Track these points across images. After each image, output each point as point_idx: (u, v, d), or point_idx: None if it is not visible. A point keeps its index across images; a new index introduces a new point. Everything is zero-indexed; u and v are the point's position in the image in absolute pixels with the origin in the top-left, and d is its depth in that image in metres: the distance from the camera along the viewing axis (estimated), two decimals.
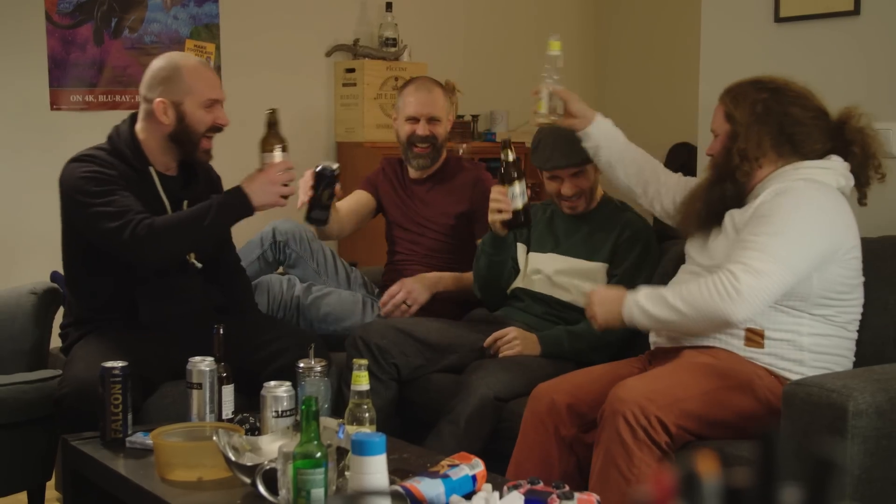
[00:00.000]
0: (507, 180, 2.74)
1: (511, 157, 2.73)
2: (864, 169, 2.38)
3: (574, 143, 2.84)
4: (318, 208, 2.89)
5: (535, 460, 2.37)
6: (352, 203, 3.34)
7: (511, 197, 2.73)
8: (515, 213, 2.75)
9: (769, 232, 2.23)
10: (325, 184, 2.85)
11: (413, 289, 3.14)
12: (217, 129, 2.75)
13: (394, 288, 3.17)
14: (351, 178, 3.63)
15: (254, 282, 3.19)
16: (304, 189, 2.89)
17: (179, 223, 2.62)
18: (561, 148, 2.86)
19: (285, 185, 2.69)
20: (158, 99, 2.67)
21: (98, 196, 2.60)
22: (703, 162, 2.92)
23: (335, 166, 2.87)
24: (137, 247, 2.57)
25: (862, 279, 2.37)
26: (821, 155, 2.35)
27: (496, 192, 2.77)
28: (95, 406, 2.32)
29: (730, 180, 2.37)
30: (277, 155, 2.69)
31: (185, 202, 2.76)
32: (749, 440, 2.16)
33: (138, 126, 2.74)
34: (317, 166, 2.88)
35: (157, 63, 2.73)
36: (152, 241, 2.56)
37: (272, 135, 2.70)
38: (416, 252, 3.30)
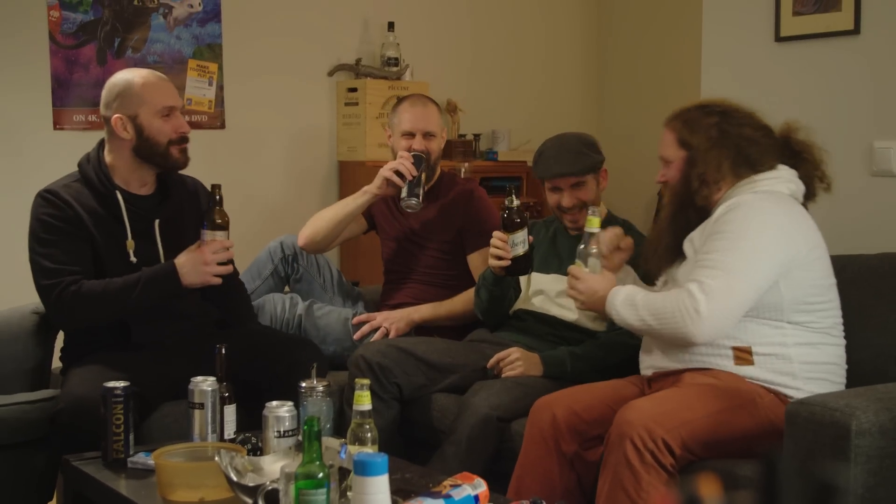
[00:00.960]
0: (509, 227, 2.74)
1: (515, 203, 2.73)
2: (811, 180, 2.43)
3: (576, 153, 2.84)
4: (420, 187, 3.10)
5: (537, 476, 2.36)
6: None
7: (511, 245, 2.74)
8: (515, 260, 2.75)
9: (723, 248, 2.26)
10: (423, 166, 3.11)
11: (390, 316, 3.17)
12: (183, 139, 2.76)
13: (372, 315, 3.19)
14: None
15: (256, 301, 3.20)
16: (407, 168, 3.08)
17: (105, 294, 2.63)
18: (563, 158, 2.87)
19: (222, 264, 2.67)
20: (115, 115, 2.71)
21: (43, 245, 2.65)
22: None
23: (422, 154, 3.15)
24: (61, 309, 2.63)
25: (833, 281, 2.38)
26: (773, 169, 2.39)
27: (497, 237, 2.77)
28: (92, 422, 2.32)
29: (691, 207, 2.39)
30: (219, 234, 2.68)
31: (157, 221, 2.76)
32: (751, 460, 2.15)
33: (106, 149, 2.77)
34: (410, 151, 3.13)
35: (111, 81, 2.77)
36: (76, 307, 2.61)
37: (215, 212, 2.68)
38: (413, 269, 3.30)
